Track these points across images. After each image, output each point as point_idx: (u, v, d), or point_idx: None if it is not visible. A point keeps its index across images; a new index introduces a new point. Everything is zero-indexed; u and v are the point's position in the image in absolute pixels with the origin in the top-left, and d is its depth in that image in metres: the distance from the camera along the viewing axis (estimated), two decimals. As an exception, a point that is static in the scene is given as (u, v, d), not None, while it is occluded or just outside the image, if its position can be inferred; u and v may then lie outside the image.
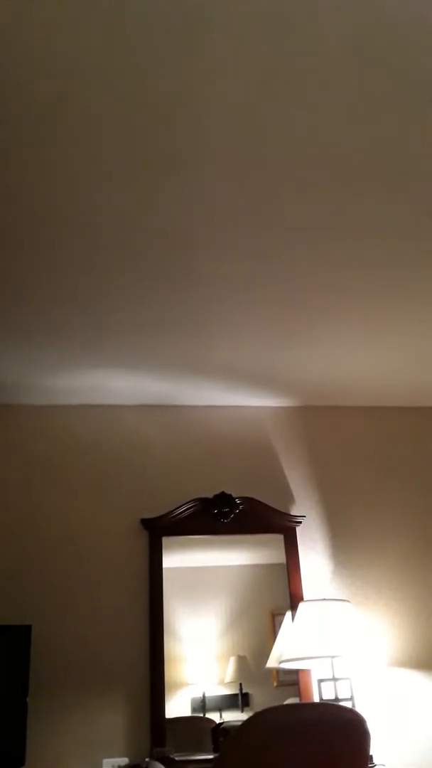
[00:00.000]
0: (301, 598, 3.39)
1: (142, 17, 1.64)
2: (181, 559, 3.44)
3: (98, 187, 2.17)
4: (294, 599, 3.39)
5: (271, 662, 3.30)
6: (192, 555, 3.49)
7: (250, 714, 3.03)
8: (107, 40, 1.69)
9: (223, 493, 3.52)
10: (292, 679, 3.29)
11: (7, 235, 2.35)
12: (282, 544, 3.54)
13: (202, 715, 3.21)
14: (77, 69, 1.76)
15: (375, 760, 3.04)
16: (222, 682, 3.28)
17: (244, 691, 3.28)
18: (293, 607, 3.35)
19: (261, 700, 3.25)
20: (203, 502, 3.50)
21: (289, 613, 3.38)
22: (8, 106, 1.85)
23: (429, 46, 1.75)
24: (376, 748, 3.16)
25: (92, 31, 1.67)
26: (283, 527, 3.56)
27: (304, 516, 3.62)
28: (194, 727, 3.18)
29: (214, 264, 2.59)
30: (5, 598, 3.20)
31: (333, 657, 2.96)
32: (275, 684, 3.32)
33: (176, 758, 2.92)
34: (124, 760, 2.98)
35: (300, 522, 3.58)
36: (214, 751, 3.04)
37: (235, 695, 3.27)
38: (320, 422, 3.89)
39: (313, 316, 2.99)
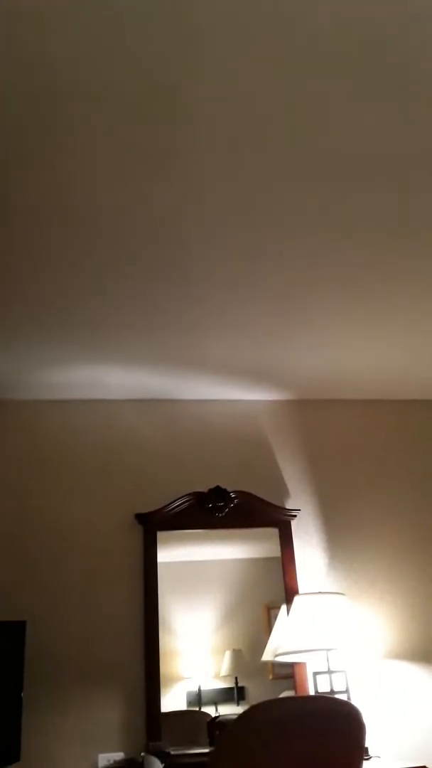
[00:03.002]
0: (296, 592, 3.39)
1: (139, 10, 1.62)
2: (176, 553, 3.43)
3: (93, 184, 2.15)
4: (289, 592, 3.39)
5: (267, 655, 3.31)
6: (187, 549, 3.48)
7: (246, 707, 3.03)
8: (103, 35, 1.67)
9: (217, 487, 3.52)
10: (288, 672, 3.30)
11: (2, 232, 2.34)
12: (277, 537, 3.54)
13: (197, 708, 3.21)
14: (72, 65, 1.74)
15: (370, 753, 3.05)
16: (217, 676, 3.28)
17: (239, 684, 3.28)
18: (288, 601, 3.35)
19: (256, 694, 3.26)
20: (198, 496, 3.50)
21: (284, 607, 3.38)
22: (1, 103, 1.84)
23: (429, 41, 1.74)
24: (372, 741, 3.17)
25: (89, 25, 1.65)
26: (278, 521, 3.56)
27: (299, 509, 3.62)
28: (190, 721, 3.18)
29: (209, 259, 2.58)
30: (0, 594, 3.19)
31: (328, 650, 2.96)
32: (271, 677, 3.32)
33: (172, 752, 2.92)
34: (120, 755, 2.98)
35: (295, 515, 3.58)
36: (210, 744, 3.04)
37: (230, 689, 3.27)
38: (315, 416, 3.88)
39: (308, 310, 2.98)
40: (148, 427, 3.68)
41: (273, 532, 3.54)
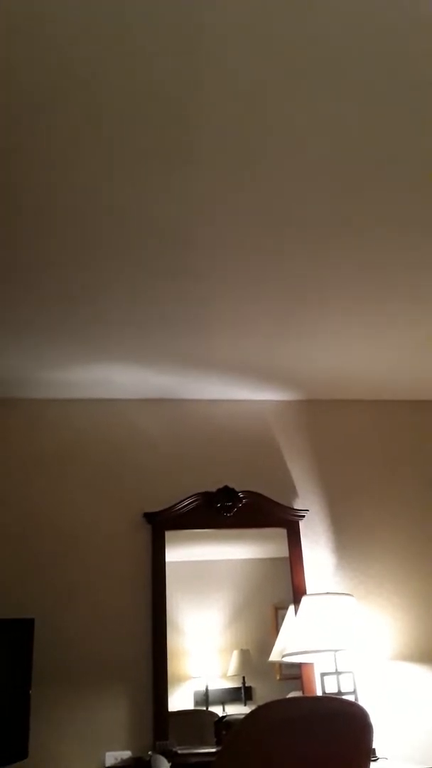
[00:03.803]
0: (304, 592, 3.38)
1: (144, 9, 1.63)
2: (184, 552, 3.44)
3: (98, 182, 2.16)
4: (297, 593, 3.39)
5: (274, 656, 3.31)
6: (195, 549, 3.49)
7: (253, 707, 3.03)
8: (108, 32, 1.68)
9: (225, 487, 3.52)
10: (295, 673, 3.29)
11: (8, 230, 2.34)
12: (285, 537, 3.53)
13: (205, 708, 3.21)
14: (77, 61, 1.75)
15: (378, 754, 3.04)
16: (225, 676, 3.28)
17: (247, 684, 3.28)
18: (296, 601, 3.35)
19: (264, 694, 3.26)
20: (206, 496, 3.50)
21: (292, 607, 3.38)
22: (7, 100, 1.84)
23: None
24: (379, 742, 3.16)
25: (93, 22, 1.65)
26: (286, 521, 3.56)
27: (307, 510, 3.61)
28: (197, 720, 3.18)
29: (215, 259, 2.58)
30: (8, 591, 3.20)
31: (336, 650, 2.96)
32: (278, 677, 3.32)
33: (179, 752, 2.92)
34: (127, 754, 2.99)
35: (303, 516, 3.58)
36: (217, 744, 3.04)
37: (238, 689, 3.27)
38: (323, 416, 3.88)
39: (315, 310, 2.98)
40: (156, 427, 3.69)
41: (281, 532, 3.54)
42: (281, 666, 3.32)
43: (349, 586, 3.50)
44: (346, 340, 3.26)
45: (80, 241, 2.43)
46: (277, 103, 1.90)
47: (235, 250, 2.53)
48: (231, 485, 3.55)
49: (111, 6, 1.62)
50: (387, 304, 2.96)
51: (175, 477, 3.56)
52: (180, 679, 3.22)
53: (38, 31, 1.66)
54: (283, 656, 3.11)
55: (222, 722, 3.10)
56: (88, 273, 2.61)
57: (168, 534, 3.42)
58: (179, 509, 3.45)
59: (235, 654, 3.31)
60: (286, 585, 3.44)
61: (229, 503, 3.49)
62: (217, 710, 3.21)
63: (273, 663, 3.32)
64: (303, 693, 3.23)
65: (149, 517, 3.42)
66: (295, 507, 3.62)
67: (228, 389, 3.70)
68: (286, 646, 3.09)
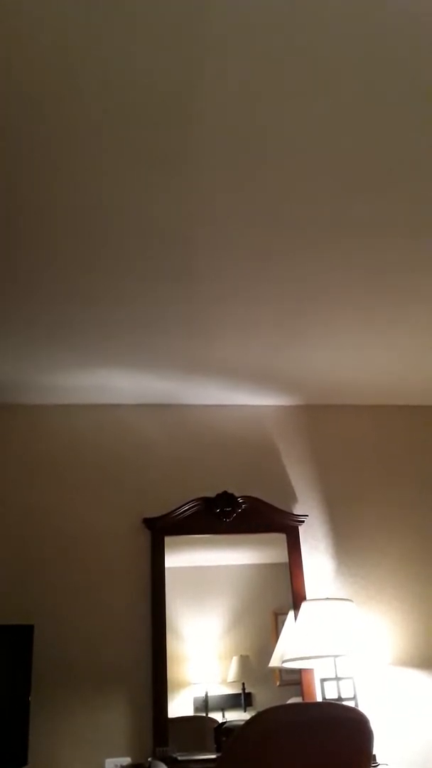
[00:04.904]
0: (303, 598, 3.38)
1: (142, 12, 1.64)
2: (183, 558, 3.43)
3: (99, 185, 2.16)
4: (297, 598, 3.38)
5: (274, 662, 3.30)
6: (194, 554, 3.48)
7: (253, 713, 3.02)
8: (107, 35, 1.69)
9: (225, 493, 3.51)
10: (295, 679, 3.28)
11: (8, 234, 2.35)
12: (284, 543, 3.53)
13: (204, 714, 3.20)
14: (78, 64, 1.76)
15: (378, 760, 3.03)
16: (224, 682, 3.27)
17: (246, 690, 3.27)
18: (296, 607, 3.34)
19: (264, 700, 3.25)
20: (205, 501, 3.50)
21: (291, 613, 3.37)
22: (8, 102, 1.85)
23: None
24: (379, 748, 3.15)
25: (91, 26, 1.66)
26: (286, 526, 3.55)
27: (307, 515, 3.61)
28: (197, 726, 3.17)
29: (215, 262, 2.58)
30: (7, 597, 3.19)
31: (336, 656, 2.95)
32: (278, 683, 3.31)
33: (179, 758, 2.91)
34: (127, 760, 2.98)
35: (303, 521, 3.58)
36: (217, 750, 3.03)
37: (237, 695, 3.26)
38: (323, 421, 3.88)
39: (316, 314, 2.98)
40: (156, 432, 3.68)
41: (281, 537, 3.54)
42: (281, 672, 3.31)
43: (348, 592, 3.49)
44: (346, 344, 3.26)
45: (80, 246, 2.43)
46: (277, 104, 1.91)
47: (234, 251, 2.53)
48: (230, 490, 3.55)
49: (111, 8, 1.62)
50: (387, 307, 2.96)
51: (174, 482, 3.56)
52: (180, 685, 3.21)
53: (38, 32, 1.67)
54: (283, 662, 3.10)
55: (222, 728, 3.09)
56: (88, 277, 2.62)
57: (167, 539, 3.41)
58: (179, 515, 3.45)
59: (235, 660, 3.31)
60: (286, 590, 3.44)
61: (229, 508, 3.48)
62: (217, 716, 3.20)
63: (273, 669, 3.31)
64: (303, 699, 3.22)
65: (149, 522, 3.41)
66: (295, 512, 3.62)
67: (227, 394, 3.70)
68: (286, 652, 3.08)
